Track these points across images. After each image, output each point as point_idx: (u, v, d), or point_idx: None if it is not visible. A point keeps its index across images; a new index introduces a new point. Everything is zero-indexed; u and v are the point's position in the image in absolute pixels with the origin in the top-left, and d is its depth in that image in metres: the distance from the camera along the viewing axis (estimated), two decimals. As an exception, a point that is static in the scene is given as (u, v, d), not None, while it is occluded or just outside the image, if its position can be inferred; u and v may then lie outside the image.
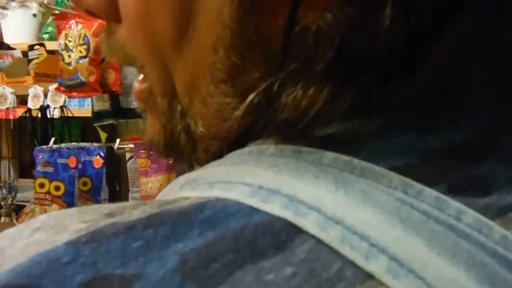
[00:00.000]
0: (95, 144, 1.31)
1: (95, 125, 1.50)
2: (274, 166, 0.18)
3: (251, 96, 0.19)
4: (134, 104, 1.39)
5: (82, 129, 2.11)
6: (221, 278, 0.15)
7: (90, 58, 1.26)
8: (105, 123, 1.49)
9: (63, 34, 1.28)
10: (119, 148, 1.28)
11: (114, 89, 1.32)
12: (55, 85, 1.62)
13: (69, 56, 1.27)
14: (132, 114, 1.41)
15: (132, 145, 1.27)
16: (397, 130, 0.19)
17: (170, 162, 1.25)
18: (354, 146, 0.18)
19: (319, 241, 0.16)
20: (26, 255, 0.16)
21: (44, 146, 1.26)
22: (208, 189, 0.18)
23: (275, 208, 0.16)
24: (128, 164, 1.44)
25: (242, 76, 0.20)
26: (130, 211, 0.18)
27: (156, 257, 0.16)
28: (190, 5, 0.20)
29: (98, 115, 1.46)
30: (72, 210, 0.19)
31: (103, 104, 1.45)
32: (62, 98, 1.84)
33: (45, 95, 1.78)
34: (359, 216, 0.16)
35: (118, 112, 1.43)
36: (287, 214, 0.16)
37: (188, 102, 0.22)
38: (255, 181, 0.18)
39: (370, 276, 0.15)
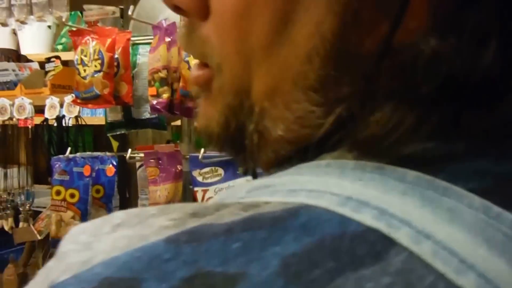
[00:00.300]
0: (108, 154, 1.38)
1: (108, 135, 1.58)
2: (360, 180, 0.19)
3: (339, 109, 0.20)
4: (145, 115, 1.47)
5: (94, 136, 2.19)
6: (323, 284, 0.16)
7: (104, 72, 1.34)
8: (117, 133, 1.57)
9: (79, 49, 1.36)
10: (130, 158, 1.35)
11: (126, 101, 1.39)
12: (70, 96, 1.70)
13: (85, 70, 1.34)
14: (142, 124, 1.49)
15: (142, 155, 1.34)
16: (475, 155, 0.19)
17: (178, 171, 1.31)
18: (434, 167, 0.19)
19: (412, 253, 0.16)
20: (120, 249, 0.17)
21: (60, 156, 1.33)
22: (291, 196, 0.19)
23: (367, 219, 0.17)
24: (138, 172, 1.51)
25: (334, 87, 0.21)
26: (217, 212, 0.19)
27: (256, 258, 0.16)
28: (290, 12, 0.21)
29: (111, 125, 1.53)
30: (152, 209, 0.20)
31: (116, 115, 1.52)
32: (76, 108, 1.92)
33: (61, 105, 1.86)
34: (448, 232, 0.17)
35: (129, 122, 1.50)
36: (380, 226, 0.17)
37: (269, 105, 0.23)
38: (343, 192, 0.18)
39: None
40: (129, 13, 1.68)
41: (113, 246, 0.18)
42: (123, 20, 1.94)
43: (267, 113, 0.23)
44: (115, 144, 1.95)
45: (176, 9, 0.25)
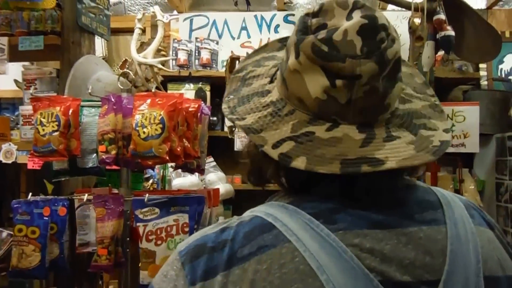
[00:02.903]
0: (60, 197, 1.70)
1: (53, 180, 1.88)
2: (271, 208, 0.64)
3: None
4: (89, 164, 1.80)
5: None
6: (255, 241, 0.61)
7: (60, 132, 1.67)
8: (62, 179, 1.88)
9: (38, 112, 1.68)
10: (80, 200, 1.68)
11: (75, 153, 1.73)
12: (7, 144, 1.97)
13: (43, 130, 1.66)
14: (86, 172, 1.82)
15: (91, 197, 1.68)
16: (311, 201, 0.64)
17: (120, 210, 1.67)
18: (298, 205, 0.63)
19: (277, 228, 0.60)
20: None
21: (21, 199, 1.63)
22: (251, 213, 0.65)
23: (269, 219, 0.62)
24: (77, 212, 1.83)
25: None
26: (235, 221, 0.65)
27: (228, 233, 0.64)
28: None
29: (56, 173, 1.84)
30: (212, 225, 0.66)
31: (63, 164, 1.84)
32: (14, 156, 2.18)
33: (-1, 153, 2.12)
34: (287, 220, 0.61)
35: (74, 170, 1.82)
36: (271, 220, 0.61)
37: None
38: (265, 211, 0.63)
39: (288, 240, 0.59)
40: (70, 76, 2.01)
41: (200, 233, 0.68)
42: (59, 80, 2.25)
43: None
44: (50, 187, 2.23)
45: None
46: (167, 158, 1.55)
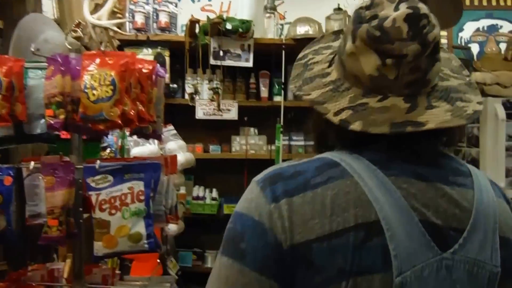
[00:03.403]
0: (5, 165, 1.58)
1: (-1, 148, 1.75)
2: (338, 154, 0.78)
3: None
4: (37, 130, 1.68)
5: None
6: (325, 173, 0.75)
7: (2, 95, 1.54)
8: (9, 147, 1.75)
9: (-22, 74, 1.54)
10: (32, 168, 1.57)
11: (21, 119, 1.60)
12: None
13: (-17, 93, 1.53)
14: (34, 139, 1.69)
15: (39, 165, 1.57)
16: (368, 153, 0.76)
17: (71, 179, 1.56)
18: (359, 153, 0.77)
19: (342, 166, 0.74)
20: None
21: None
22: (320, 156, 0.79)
23: (336, 160, 0.76)
24: (25, 181, 1.71)
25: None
26: (305, 160, 0.78)
27: (304, 167, 0.77)
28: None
29: (1, 140, 1.71)
30: (284, 162, 0.80)
31: (7, 130, 1.71)
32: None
33: None
34: (351, 162, 0.75)
35: (21, 137, 1.70)
36: (338, 160, 0.75)
37: None
38: (333, 155, 0.77)
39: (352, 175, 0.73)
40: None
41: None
42: (2, 40, 2.09)
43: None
44: (-4, 155, 2.08)
45: None
46: (120, 122, 1.45)
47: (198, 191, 3.57)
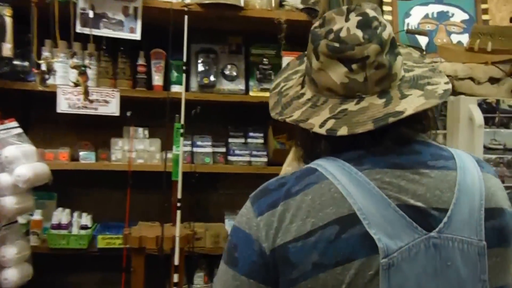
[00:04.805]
0: None
1: None
2: (325, 161, 0.86)
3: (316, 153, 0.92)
4: None
5: None
6: (303, 181, 0.83)
7: None
8: None
9: None
10: None
11: None
12: None
13: None
14: None
15: None
16: (353, 155, 0.85)
17: None
18: (337, 156, 0.86)
19: (319, 171, 0.83)
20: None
21: None
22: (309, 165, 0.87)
23: (313, 165, 0.86)
24: None
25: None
26: (291, 172, 0.87)
27: (290, 180, 0.85)
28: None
29: None
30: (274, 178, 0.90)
31: None
32: None
33: None
34: (329, 166, 0.83)
35: None
36: (318, 168, 0.84)
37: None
38: (319, 163, 0.85)
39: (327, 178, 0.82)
40: None
41: None
42: None
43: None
44: None
45: None
46: None
47: (61, 216, 2.53)
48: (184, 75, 2.30)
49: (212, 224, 2.74)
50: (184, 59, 2.26)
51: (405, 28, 2.94)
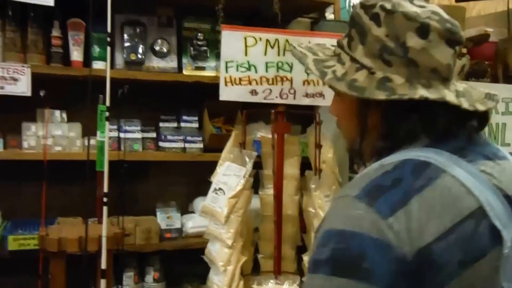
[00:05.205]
0: None
1: None
2: (424, 152, 0.84)
3: (379, 143, 0.91)
4: None
5: None
6: (416, 181, 0.81)
7: None
8: None
9: None
10: None
11: None
12: None
13: None
14: None
15: None
16: (450, 145, 0.86)
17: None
18: (434, 146, 0.85)
19: (432, 163, 0.81)
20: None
21: None
22: (399, 158, 0.83)
23: (429, 160, 0.82)
24: None
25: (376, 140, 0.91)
26: (388, 165, 0.84)
27: (390, 176, 0.82)
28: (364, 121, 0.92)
29: None
30: (364, 175, 0.85)
31: None
32: None
33: None
34: (441, 159, 0.81)
35: None
36: (431, 161, 0.82)
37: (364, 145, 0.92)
38: (419, 154, 0.83)
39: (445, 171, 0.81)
40: None
41: None
42: None
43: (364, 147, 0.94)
44: None
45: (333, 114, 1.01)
46: None
47: (-39, 214, 2.14)
48: (108, 48, 1.99)
49: (142, 217, 2.47)
50: (109, 29, 1.95)
51: None
